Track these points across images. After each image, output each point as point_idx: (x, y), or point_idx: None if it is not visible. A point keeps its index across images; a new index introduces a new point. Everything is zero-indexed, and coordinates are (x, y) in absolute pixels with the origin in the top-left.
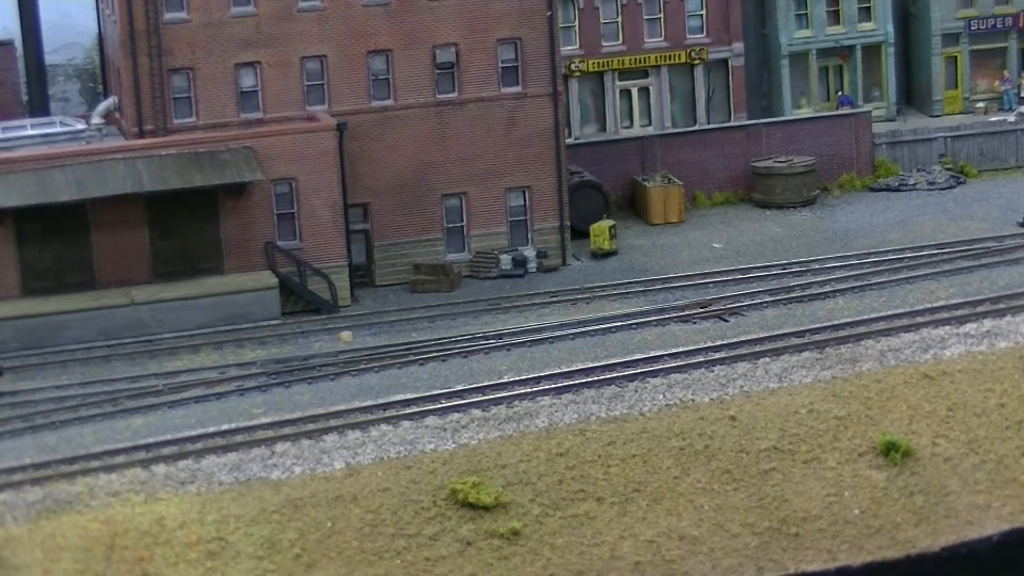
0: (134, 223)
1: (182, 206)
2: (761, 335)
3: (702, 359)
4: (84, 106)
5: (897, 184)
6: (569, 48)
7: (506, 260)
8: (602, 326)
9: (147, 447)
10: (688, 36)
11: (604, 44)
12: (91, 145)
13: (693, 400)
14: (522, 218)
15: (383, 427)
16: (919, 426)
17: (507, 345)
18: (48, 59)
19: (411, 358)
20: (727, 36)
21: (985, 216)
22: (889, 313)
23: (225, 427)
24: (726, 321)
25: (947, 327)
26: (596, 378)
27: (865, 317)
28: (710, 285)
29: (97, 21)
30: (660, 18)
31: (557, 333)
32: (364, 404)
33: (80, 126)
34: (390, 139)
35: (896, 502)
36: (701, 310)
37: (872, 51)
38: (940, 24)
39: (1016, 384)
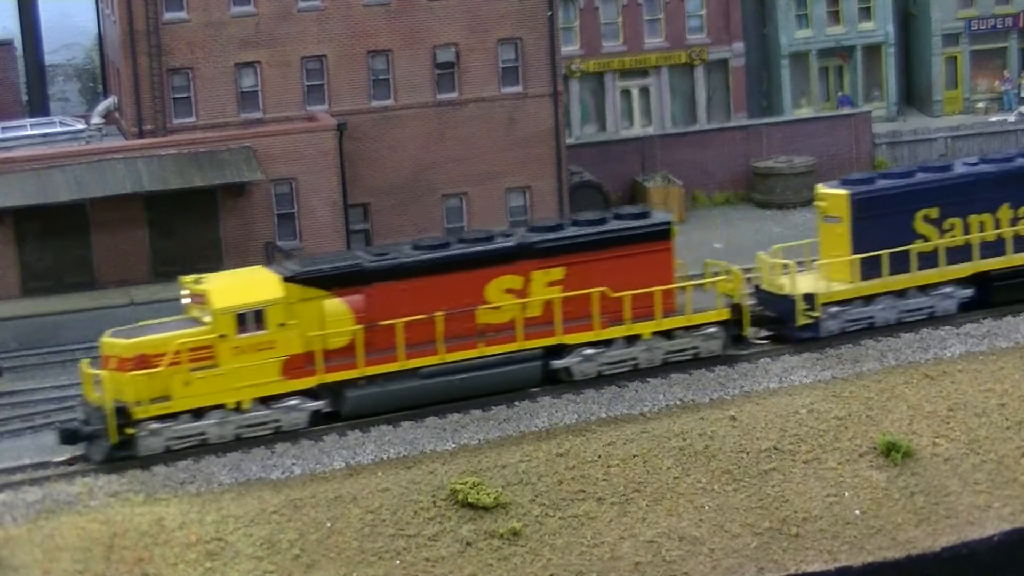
0: (134, 223)
1: (182, 206)
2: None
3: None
4: (84, 106)
5: None
6: (569, 48)
7: None
8: None
9: None
10: (688, 36)
11: (604, 44)
12: (91, 145)
13: (693, 400)
14: (522, 218)
15: (383, 427)
16: (919, 426)
17: None
18: (48, 59)
19: None
20: (727, 36)
21: None
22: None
23: None
24: None
25: (947, 327)
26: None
27: None
28: None
29: (97, 21)
30: (660, 18)
31: None
32: None
33: (80, 126)
34: (390, 139)
35: (897, 502)
36: None
37: (872, 51)
38: (940, 24)
39: (1016, 384)
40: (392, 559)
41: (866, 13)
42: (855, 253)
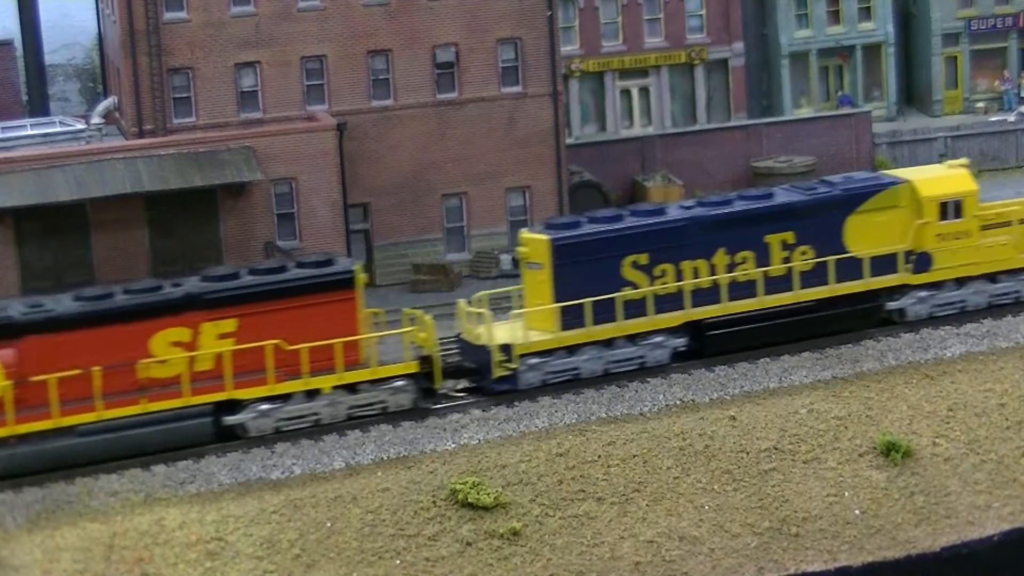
0: (134, 223)
1: (182, 206)
2: None
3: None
4: (84, 106)
5: None
6: (569, 48)
7: (506, 260)
8: None
9: None
10: (688, 36)
11: (604, 44)
12: (91, 145)
13: (693, 400)
14: (522, 218)
15: (383, 427)
16: (919, 426)
17: None
18: (48, 59)
19: None
20: (727, 36)
21: None
22: None
23: None
24: None
25: (947, 327)
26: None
27: None
28: None
29: (97, 21)
30: (660, 18)
31: None
32: None
33: (80, 126)
34: (390, 139)
35: (896, 502)
36: None
37: (872, 51)
38: (940, 24)
39: (1016, 384)
40: (392, 559)
41: (866, 13)
42: (557, 301)
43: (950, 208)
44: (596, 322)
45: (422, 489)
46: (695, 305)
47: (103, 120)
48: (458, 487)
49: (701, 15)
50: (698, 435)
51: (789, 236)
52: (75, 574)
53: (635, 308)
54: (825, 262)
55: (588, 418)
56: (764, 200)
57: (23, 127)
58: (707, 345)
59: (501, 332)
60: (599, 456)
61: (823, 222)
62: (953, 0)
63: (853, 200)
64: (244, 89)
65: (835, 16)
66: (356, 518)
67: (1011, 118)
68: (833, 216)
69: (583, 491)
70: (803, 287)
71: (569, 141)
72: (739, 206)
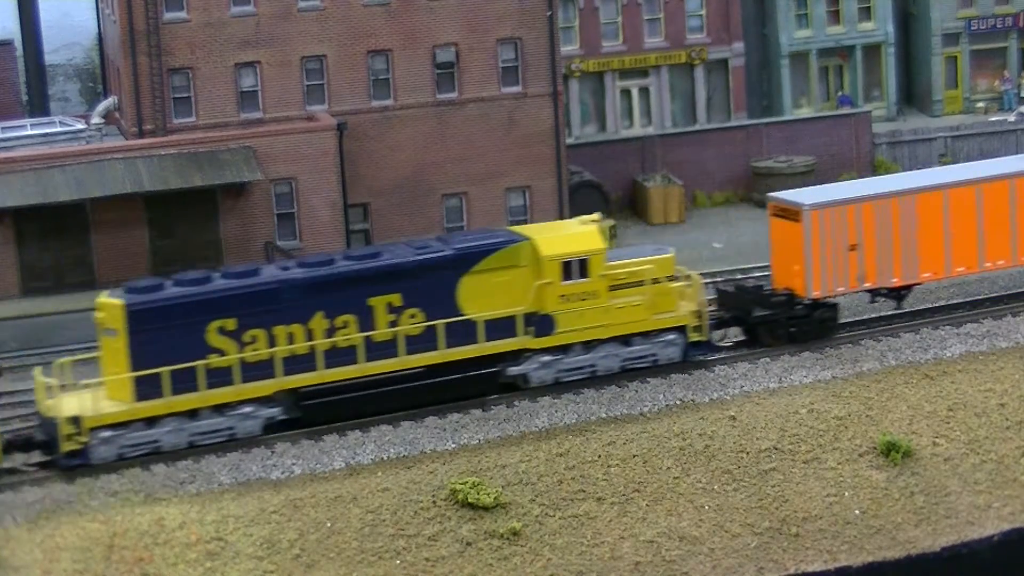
0: (134, 223)
1: (182, 206)
2: None
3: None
4: (84, 106)
5: None
6: (569, 48)
7: None
8: None
9: None
10: (688, 36)
11: (604, 44)
12: (91, 145)
13: (693, 400)
14: (522, 218)
15: (383, 427)
16: (919, 426)
17: None
18: (48, 59)
19: None
20: (727, 36)
21: None
22: (889, 313)
23: None
24: None
25: (947, 327)
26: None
27: (865, 317)
28: (710, 285)
29: (97, 21)
30: (660, 18)
31: None
32: None
33: (80, 126)
34: (390, 139)
35: (896, 502)
36: None
37: (872, 51)
38: (940, 24)
39: (1016, 384)
40: (392, 559)
41: (866, 13)
42: (134, 369)
43: (574, 267)
44: (177, 392)
45: (422, 489)
46: (290, 372)
47: (103, 120)
48: (458, 487)
49: (701, 15)
50: (698, 435)
51: (396, 298)
52: (75, 574)
53: (222, 376)
54: (435, 326)
55: (588, 418)
56: (368, 260)
57: (23, 127)
58: (304, 414)
59: (71, 403)
60: (599, 456)
61: (433, 283)
62: (953, 0)
63: (466, 260)
64: (244, 89)
65: (835, 16)
66: (356, 518)
67: (1011, 118)
68: (445, 277)
69: (583, 491)
70: (411, 352)
71: (569, 141)
72: (339, 267)
